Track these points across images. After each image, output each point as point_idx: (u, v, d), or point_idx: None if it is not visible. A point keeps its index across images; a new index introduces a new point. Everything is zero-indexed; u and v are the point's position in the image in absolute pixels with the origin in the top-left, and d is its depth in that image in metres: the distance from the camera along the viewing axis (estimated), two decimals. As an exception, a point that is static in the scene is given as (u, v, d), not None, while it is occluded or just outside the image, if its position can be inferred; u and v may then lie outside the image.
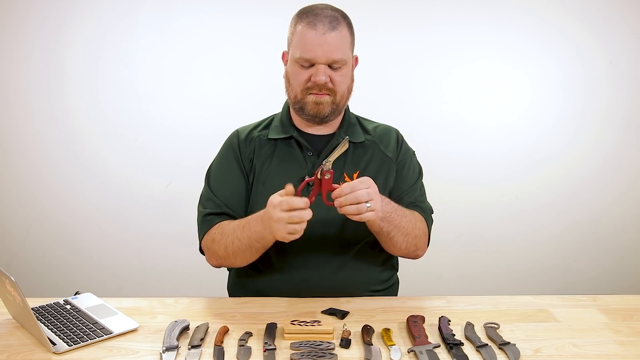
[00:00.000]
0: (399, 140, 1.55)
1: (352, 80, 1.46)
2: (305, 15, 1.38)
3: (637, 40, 2.58)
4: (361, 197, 1.21)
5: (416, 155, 1.58)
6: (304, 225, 1.22)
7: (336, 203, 1.23)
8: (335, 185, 1.25)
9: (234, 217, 1.45)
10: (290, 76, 1.43)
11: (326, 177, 1.25)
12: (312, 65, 1.37)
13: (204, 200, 1.50)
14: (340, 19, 1.39)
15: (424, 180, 1.57)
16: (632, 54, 2.58)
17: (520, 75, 2.62)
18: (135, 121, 2.59)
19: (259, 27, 2.50)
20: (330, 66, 1.37)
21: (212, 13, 2.54)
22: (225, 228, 1.40)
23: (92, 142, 2.61)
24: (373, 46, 2.53)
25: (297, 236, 1.24)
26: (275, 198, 1.24)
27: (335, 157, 1.27)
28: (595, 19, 2.56)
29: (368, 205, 1.22)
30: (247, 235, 1.34)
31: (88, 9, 2.52)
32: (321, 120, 1.44)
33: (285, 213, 1.21)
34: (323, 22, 1.35)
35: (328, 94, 1.39)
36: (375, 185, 1.26)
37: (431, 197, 1.57)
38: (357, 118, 1.57)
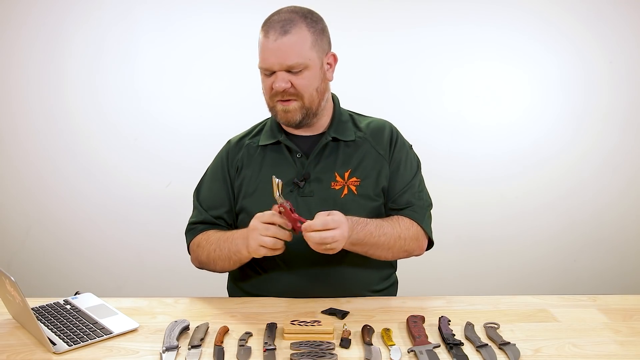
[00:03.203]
0: (393, 136, 1.50)
1: (324, 80, 1.40)
2: (264, 23, 1.37)
3: (637, 40, 2.58)
4: (325, 240, 1.23)
5: (413, 148, 1.55)
6: (276, 242, 1.27)
7: (304, 236, 1.25)
8: (296, 216, 1.27)
9: (218, 226, 1.50)
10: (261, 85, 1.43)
11: (281, 211, 1.28)
12: (274, 72, 1.35)
13: (193, 209, 1.57)
14: (297, 19, 1.33)
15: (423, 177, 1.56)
16: (632, 54, 2.58)
17: (520, 75, 2.62)
18: (135, 121, 2.60)
19: (259, 28, 2.50)
20: (290, 71, 1.34)
21: (212, 13, 2.54)
22: (211, 237, 1.46)
23: (92, 142, 2.61)
24: (373, 46, 2.54)
25: (267, 251, 1.28)
26: (259, 213, 1.30)
27: (277, 192, 1.28)
28: (595, 19, 2.56)
29: (327, 245, 1.25)
30: (228, 247, 1.40)
31: (88, 9, 2.52)
32: (296, 126, 1.43)
33: (262, 224, 1.27)
34: (275, 28, 1.33)
35: (295, 99, 1.37)
36: (346, 223, 1.27)
37: (431, 197, 1.55)
38: (351, 115, 1.54)
